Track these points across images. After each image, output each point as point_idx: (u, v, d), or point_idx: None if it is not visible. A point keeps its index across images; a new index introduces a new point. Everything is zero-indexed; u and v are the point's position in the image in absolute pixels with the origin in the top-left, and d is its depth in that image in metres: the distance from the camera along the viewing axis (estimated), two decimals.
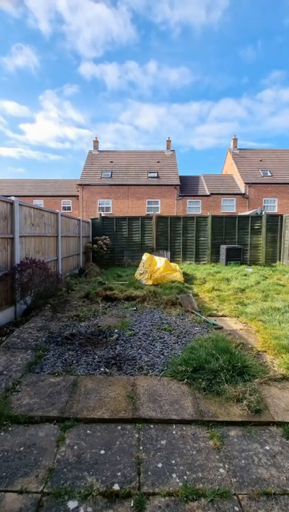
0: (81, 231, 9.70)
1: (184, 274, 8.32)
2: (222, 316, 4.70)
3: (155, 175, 23.01)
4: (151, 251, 11.64)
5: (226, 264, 10.74)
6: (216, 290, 6.51)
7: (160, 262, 7.79)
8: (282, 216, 11.50)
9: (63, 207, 23.52)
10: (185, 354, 3.03)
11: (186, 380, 2.61)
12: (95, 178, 22.95)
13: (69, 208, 23.56)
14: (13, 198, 4.58)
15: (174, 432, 2.01)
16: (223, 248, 11.09)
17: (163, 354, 3.18)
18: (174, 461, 1.75)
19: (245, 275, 8.50)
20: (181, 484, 1.59)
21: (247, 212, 15.84)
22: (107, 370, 2.79)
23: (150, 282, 7.30)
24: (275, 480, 1.64)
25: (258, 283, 7.13)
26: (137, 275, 7.93)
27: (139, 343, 3.47)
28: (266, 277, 8.24)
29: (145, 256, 8.08)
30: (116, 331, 3.88)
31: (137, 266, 11.05)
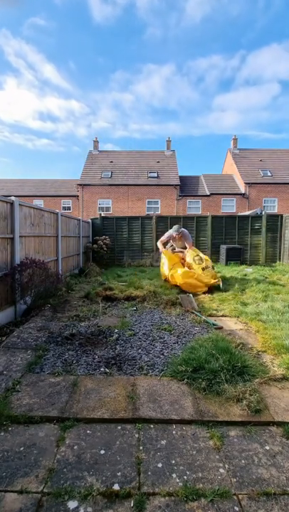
0: (81, 231, 9.70)
1: None
2: (222, 316, 4.70)
3: (155, 175, 23.02)
4: (151, 251, 11.65)
5: (226, 264, 10.74)
6: (216, 290, 6.50)
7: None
8: (282, 216, 11.50)
9: (63, 207, 23.52)
10: (185, 354, 3.03)
11: (186, 380, 2.61)
12: (95, 178, 22.95)
13: (69, 208, 23.57)
14: (13, 198, 4.58)
15: (174, 432, 2.01)
16: (223, 248, 11.09)
17: (163, 354, 3.18)
18: (174, 461, 1.75)
19: (245, 275, 8.51)
20: (181, 484, 1.59)
21: (247, 212, 15.84)
22: (107, 370, 2.79)
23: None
24: (275, 480, 1.64)
25: (258, 283, 7.13)
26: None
27: (139, 343, 3.47)
28: (266, 277, 8.24)
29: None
30: (116, 331, 3.88)
31: (137, 266, 11.06)
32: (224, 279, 7.91)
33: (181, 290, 6.29)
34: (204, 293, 6.21)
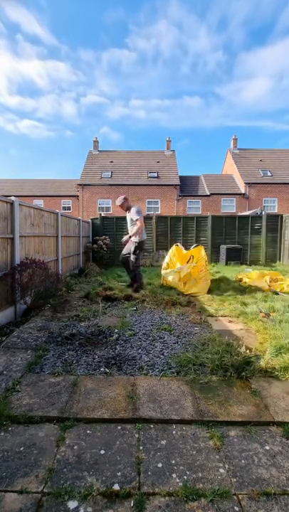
0: (81, 231, 9.70)
1: None
2: (222, 316, 4.70)
3: (155, 175, 23.03)
4: (151, 251, 11.65)
5: (226, 264, 10.75)
6: (216, 290, 6.50)
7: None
8: (282, 216, 11.50)
9: (63, 207, 23.54)
10: (185, 354, 3.04)
11: (186, 379, 2.61)
12: (95, 178, 22.96)
13: (69, 208, 23.57)
14: (13, 198, 4.58)
15: (174, 432, 2.01)
16: (223, 248, 11.10)
17: (163, 354, 3.18)
18: (174, 461, 1.75)
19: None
20: (181, 484, 1.59)
21: (247, 212, 15.84)
22: (107, 370, 2.79)
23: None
24: (275, 480, 1.64)
25: None
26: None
27: (139, 343, 3.47)
28: None
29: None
30: (116, 330, 3.88)
31: None
32: (224, 278, 7.91)
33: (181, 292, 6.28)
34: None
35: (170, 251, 7.70)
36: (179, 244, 7.91)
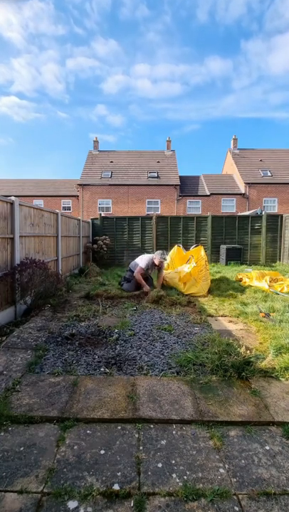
0: (81, 231, 9.70)
1: None
2: (222, 315, 4.70)
3: (155, 175, 23.03)
4: (151, 251, 11.64)
5: (226, 264, 10.74)
6: (216, 290, 6.50)
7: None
8: (282, 216, 11.50)
9: (63, 207, 23.53)
10: (185, 354, 3.04)
11: (186, 379, 2.61)
12: (95, 178, 22.96)
13: (69, 208, 23.57)
14: (13, 198, 4.58)
15: (174, 432, 2.01)
16: (223, 248, 11.09)
17: (163, 354, 3.18)
18: (174, 461, 1.75)
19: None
20: (181, 484, 1.59)
21: (247, 213, 15.84)
22: (107, 370, 2.79)
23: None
24: (275, 480, 1.64)
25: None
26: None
27: (139, 343, 3.47)
28: None
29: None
30: (116, 331, 3.88)
31: None
32: (224, 278, 7.91)
33: (181, 292, 6.28)
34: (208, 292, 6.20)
35: (171, 251, 7.74)
36: (180, 245, 7.94)
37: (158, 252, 6.30)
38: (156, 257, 6.19)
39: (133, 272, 6.35)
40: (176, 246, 7.75)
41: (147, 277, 6.56)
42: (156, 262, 6.16)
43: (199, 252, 6.83)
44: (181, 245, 7.95)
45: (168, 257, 7.48)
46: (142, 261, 6.28)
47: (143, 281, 6.08)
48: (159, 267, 6.33)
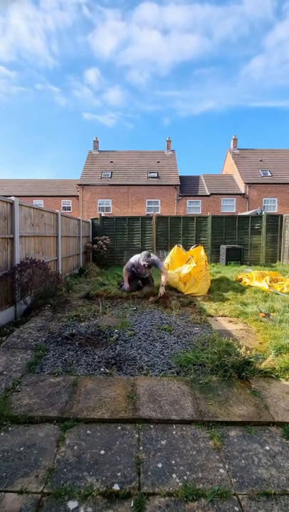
0: (81, 231, 9.70)
1: None
2: (222, 316, 4.70)
3: (155, 175, 23.03)
4: (151, 251, 11.65)
5: (226, 264, 10.74)
6: (216, 290, 6.50)
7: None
8: (282, 216, 11.50)
9: (63, 207, 23.53)
10: (185, 354, 3.04)
11: (186, 379, 2.61)
12: (95, 178, 22.96)
13: (69, 208, 23.56)
14: (13, 198, 4.58)
15: (174, 432, 2.01)
16: (223, 248, 11.09)
17: (163, 354, 3.18)
18: (174, 462, 1.75)
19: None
20: (181, 484, 1.59)
21: (247, 213, 15.84)
22: (107, 370, 2.79)
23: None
24: (275, 480, 1.64)
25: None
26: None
27: (139, 343, 3.47)
28: None
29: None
30: (116, 331, 3.88)
31: None
32: (224, 278, 7.91)
33: (182, 293, 6.28)
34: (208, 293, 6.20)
35: (171, 252, 7.76)
36: (180, 245, 7.95)
37: (143, 253, 6.19)
38: (140, 258, 6.10)
39: (132, 272, 6.39)
40: (176, 246, 7.76)
41: (147, 277, 6.57)
42: (142, 263, 6.04)
43: (199, 252, 6.82)
44: (181, 245, 7.95)
45: (168, 258, 7.51)
46: (131, 258, 6.40)
47: (125, 277, 6.28)
48: (147, 266, 6.13)
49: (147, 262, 5.99)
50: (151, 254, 6.20)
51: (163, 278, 5.77)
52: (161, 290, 5.59)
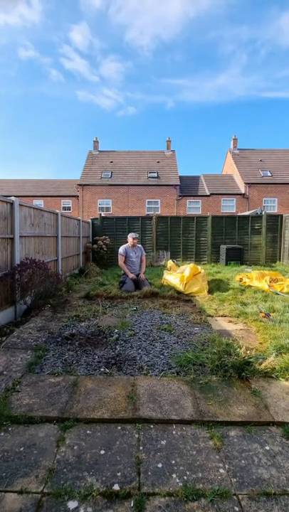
0: (81, 231, 9.70)
1: None
2: (222, 316, 4.70)
3: (155, 175, 23.04)
4: (151, 251, 11.65)
5: (226, 264, 10.74)
6: (216, 290, 6.50)
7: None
8: (282, 216, 11.50)
9: (63, 207, 23.53)
10: (185, 354, 3.04)
11: (186, 379, 2.61)
12: (95, 178, 22.97)
13: (69, 208, 23.57)
14: (13, 198, 4.58)
15: (174, 432, 2.01)
16: (223, 248, 11.10)
17: (163, 354, 3.18)
18: (174, 462, 1.75)
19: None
20: (181, 484, 1.59)
21: (247, 213, 15.84)
22: (107, 370, 2.79)
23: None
24: (275, 480, 1.64)
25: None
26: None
27: (139, 343, 3.47)
28: None
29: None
30: (116, 331, 3.88)
31: None
32: (224, 278, 7.92)
33: (182, 293, 6.29)
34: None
35: (168, 265, 8.31)
36: (173, 260, 8.33)
37: (130, 234, 6.84)
38: (128, 238, 6.74)
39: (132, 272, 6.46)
40: (170, 260, 8.28)
41: (144, 280, 6.61)
42: (130, 242, 6.67)
43: (194, 266, 6.81)
44: (174, 260, 8.55)
45: (165, 272, 7.58)
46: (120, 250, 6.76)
47: (125, 268, 6.61)
48: (136, 248, 6.79)
49: (135, 238, 6.75)
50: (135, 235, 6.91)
51: (143, 265, 6.83)
52: (142, 276, 6.51)
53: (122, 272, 6.82)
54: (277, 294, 6.07)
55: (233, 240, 11.65)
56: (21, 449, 1.83)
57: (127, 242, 7.01)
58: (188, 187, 23.41)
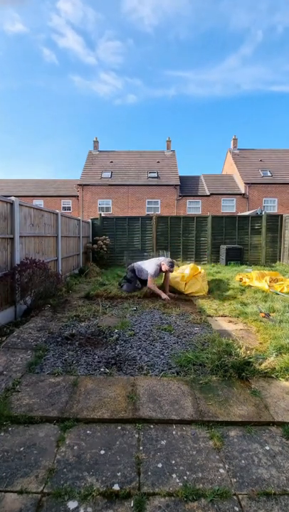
0: (81, 231, 9.70)
1: None
2: (222, 316, 4.70)
3: (155, 175, 23.03)
4: (151, 251, 11.65)
5: (226, 264, 10.74)
6: (216, 290, 6.50)
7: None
8: (282, 216, 11.50)
9: (63, 207, 23.53)
10: (185, 354, 3.03)
11: (186, 379, 2.61)
12: (95, 178, 22.96)
13: (69, 208, 23.57)
14: (13, 198, 4.58)
15: (174, 432, 2.01)
16: (223, 248, 11.10)
17: (163, 354, 3.18)
18: (174, 462, 1.75)
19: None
20: (181, 484, 1.59)
21: (247, 213, 15.84)
22: (107, 370, 2.79)
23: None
24: (275, 480, 1.64)
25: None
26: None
27: (139, 343, 3.47)
28: None
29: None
30: (116, 331, 3.88)
31: None
32: (224, 278, 7.91)
33: (183, 293, 6.29)
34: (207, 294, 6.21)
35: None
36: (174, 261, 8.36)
37: (167, 259, 6.04)
38: (163, 263, 5.93)
39: (134, 272, 6.39)
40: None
41: (146, 279, 6.46)
42: (164, 268, 5.95)
43: (194, 266, 6.80)
44: (174, 261, 8.61)
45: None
46: (150, 268, 6.02)
47: (158, 290, 5.90)
48: (166, 271, 6.07)
49: (172, 266, 5.96)
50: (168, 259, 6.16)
51: (167, 286, 6.17)
52: (165, 295, 5.75)
53: (123, 272, 6.70)
54: (277, 294, 6.07)
55: (233, 240, 11.65)
56: (21, 449, 1.83)
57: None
58: (188, 187, 23.40)
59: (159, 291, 5.85)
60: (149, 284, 5.92)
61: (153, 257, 11.49)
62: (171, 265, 5.92)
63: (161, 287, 6.28)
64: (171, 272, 6.06)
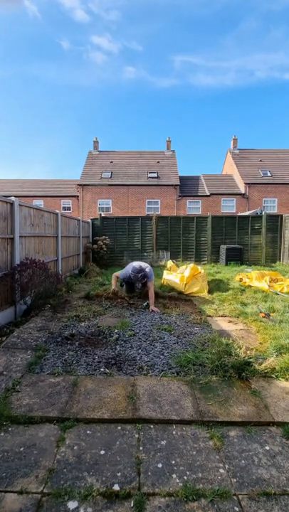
0: (81, 231, 9.70)
1: None
2: (222, 316, 4.70)
3: (155, 175, 23.03)
4: (151, 251, 11.66)
5: (226, 265, 10.74)
6: (216, 290, 6.50)
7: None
8: (282, 216, 11.50)
9: (63, 207, 23.52)
10: (185, 354, 3.03)
11: (186, 379, 2.61)
12: (95, 178, 22.96)
13: (69, 208, 23.56)
14: (13, 198, 4.58)
15: (174, 433, 2.01)
16: (223, 248, 11.09)
17: (163, 354, 3.17)
18: (174, 462, 1.75)
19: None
20: (181, 484, 1.59)
21: (247, 213, 15.84)
22: (107, 371, 2.79)
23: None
24: (275, 480, 1.64)
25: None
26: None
27: (139, 344, 3.47)
28: None
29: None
30: (116, 331, 3.88)
31: None
32: (224, 278, 7.91)
33: (182, 293, 6.29)
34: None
35: (168, 265, 8.26)
36: (173, 260, 8.31)
37: (138, 267, 5.16)
38: (132, 272, 5.17)
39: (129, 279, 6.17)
40: (170, 260, 8.22)
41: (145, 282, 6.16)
42: (132, 276, 5.18)
43: (194, 266, 6.79)
44: (174, 261, 8.50)
45: (169, 263, 7.71)
46: (125, 268, 5.55)
47: (113, 281, 5.84)
48: (143, 282, 5.31)
49: (137, 275, 5.14)
50: (143, 265, 5.26)
51: (150, 298, 5.04)
52: (152, 308, 4.93)
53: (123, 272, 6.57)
54: (277, 294, 6.07)
55: (233, 240, 11.65)
56: (21, 449, 1.83)
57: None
58: (188, 187, 23.40)
59: (112, 282, 5.78)
60: (113, 283, 5.82)
61: (153, 257, 11.51)
62: (137, 272, 5.08)
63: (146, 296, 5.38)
64: (140, 280, 5.24)
